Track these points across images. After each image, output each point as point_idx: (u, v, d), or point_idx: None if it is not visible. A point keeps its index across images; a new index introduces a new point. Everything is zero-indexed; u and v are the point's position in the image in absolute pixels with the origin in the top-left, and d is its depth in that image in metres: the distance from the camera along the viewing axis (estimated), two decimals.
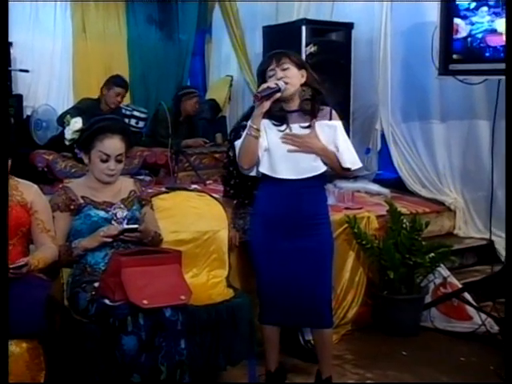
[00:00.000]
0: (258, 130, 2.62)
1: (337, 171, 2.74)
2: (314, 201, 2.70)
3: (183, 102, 5.42)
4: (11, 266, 2.31)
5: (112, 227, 2.67)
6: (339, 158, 2.67)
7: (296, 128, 2.67)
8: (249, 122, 2.65)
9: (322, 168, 2.69)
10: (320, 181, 2.73)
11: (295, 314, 2.78)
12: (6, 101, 2.30)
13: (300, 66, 2.68)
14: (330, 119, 2.69)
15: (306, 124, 2.67)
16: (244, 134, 2.67)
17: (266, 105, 2.59)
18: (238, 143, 2.72)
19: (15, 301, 2.19)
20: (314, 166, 2.67)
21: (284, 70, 2.64)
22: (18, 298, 2.22)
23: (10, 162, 2.47)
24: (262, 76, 2.70)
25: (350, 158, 2.70)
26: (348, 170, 2.70)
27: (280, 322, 2.85)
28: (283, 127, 2.67)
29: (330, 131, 2.68)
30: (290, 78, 2.63)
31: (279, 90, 2.59)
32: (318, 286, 2.73)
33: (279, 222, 2.69)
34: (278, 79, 2.61)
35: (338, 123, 2.70)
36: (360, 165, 2.74)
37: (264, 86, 2.59)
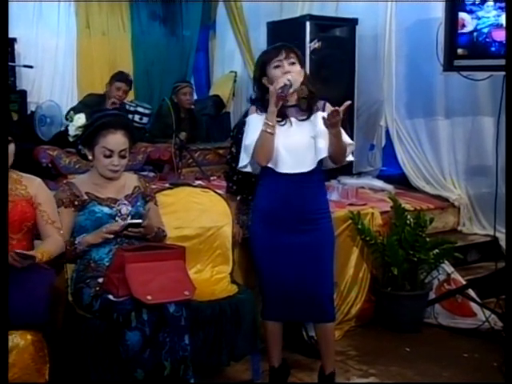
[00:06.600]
0: (273, 126, 2.62)
1: (339, 159, 2.71)
2: (313, 195, 2.71)
3: (177, 95, 5.39)
4: (18, 251, 2.29)
5: (115, 223, 2.67)
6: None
7: (294, 121, 2.69)
8: (263, 119, 2.61)
9: (323, 153, 2.65)
10: (320, 175, 2.74)
11: (297, 309, 2.78)
12: (6, 94, 2.29)
13: (302, 63, 2.71)
14: (323, 111, 2.70)
15: (304, 117, 2.70)
16: (260, 131, 2.63)
17: (281, 102, 2.59)
18: (248, 143, 2.66)
19: (18, 290, 2.18)
20: (313, 159, 2.66)
21: (291, 64, 2.65)
22: (20, 287, 2.22)
23: (13, 146, 2.45)
24: (263, 66, 2.68)
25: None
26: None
27: (282, 318, 2.85)
28: (283, 122, 2.68)
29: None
30: (296, 74, 2.63)
31: (291, 86, 2.59)
32: (319, 280, 2.73)
33: (279, 217, 2.69)
34: (284, 73, 2.61)
35: None
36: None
37: (280, 83, 2.57)
